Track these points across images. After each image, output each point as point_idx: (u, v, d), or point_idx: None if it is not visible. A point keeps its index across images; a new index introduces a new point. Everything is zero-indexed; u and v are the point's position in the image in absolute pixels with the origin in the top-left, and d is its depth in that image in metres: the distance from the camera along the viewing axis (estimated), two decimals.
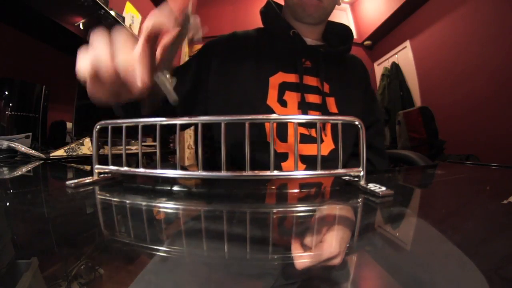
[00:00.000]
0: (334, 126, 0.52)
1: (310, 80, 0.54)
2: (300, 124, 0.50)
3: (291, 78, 0.53)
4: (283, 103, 0.51)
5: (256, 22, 0.62)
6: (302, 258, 0.14)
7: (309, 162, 0.49)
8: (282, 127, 0.49)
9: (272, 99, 0.51)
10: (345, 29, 0.62)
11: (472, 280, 0.12)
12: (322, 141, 0.51)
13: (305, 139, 0.50)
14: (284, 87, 0.52)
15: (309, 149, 0.50)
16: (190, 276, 0.12)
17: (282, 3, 0.61)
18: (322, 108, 0.52)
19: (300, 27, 0.56)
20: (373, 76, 3.16)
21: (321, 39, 0.61)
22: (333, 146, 0.52)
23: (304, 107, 0.51)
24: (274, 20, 0.58)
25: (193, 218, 0.23)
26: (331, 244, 0.16)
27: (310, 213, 0.23)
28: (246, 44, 0.57)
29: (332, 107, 0.54)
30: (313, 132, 0.51)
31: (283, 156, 0.49)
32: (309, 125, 0.51)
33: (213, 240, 0.16)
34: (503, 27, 1.73)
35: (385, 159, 0.61)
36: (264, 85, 0.52)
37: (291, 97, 0.52)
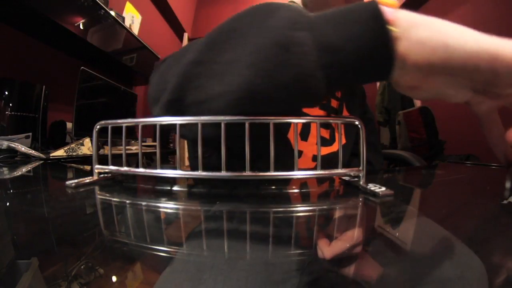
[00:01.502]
0: (344, 127, 0.54)
1: None
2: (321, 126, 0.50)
3: None
4: None
5: None
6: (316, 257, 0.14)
7: (321, 161, 0.50)
8: (306, 127, 0.50)
9: None
10: None
11: (472, 280, 0.12)
12: (334, 141, 0.52)
13: (322, 141, 0.51)
14: None
15: (323, 150, 0.50)
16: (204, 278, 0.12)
17: None
18: (339, 112, 0.53)
19: None
20: None
21: None
22: (344, 143, 0.53)
23: (324, 108, 0.52)
24: None
25: (193, 217, 0.23)
26: (337, 244, 0.16)
27: (309, 213, 0.23)
28: None
29: (345, 111, 0.56)
30: (327, 134, 0.52)
31: (298, 154, 0.51)
32: (325, 126, 0.52)
33: (214, 240, 0.16)
34: (503, 27, 1.73)
35: (379, 153, 0.64)
36: None
37: None
